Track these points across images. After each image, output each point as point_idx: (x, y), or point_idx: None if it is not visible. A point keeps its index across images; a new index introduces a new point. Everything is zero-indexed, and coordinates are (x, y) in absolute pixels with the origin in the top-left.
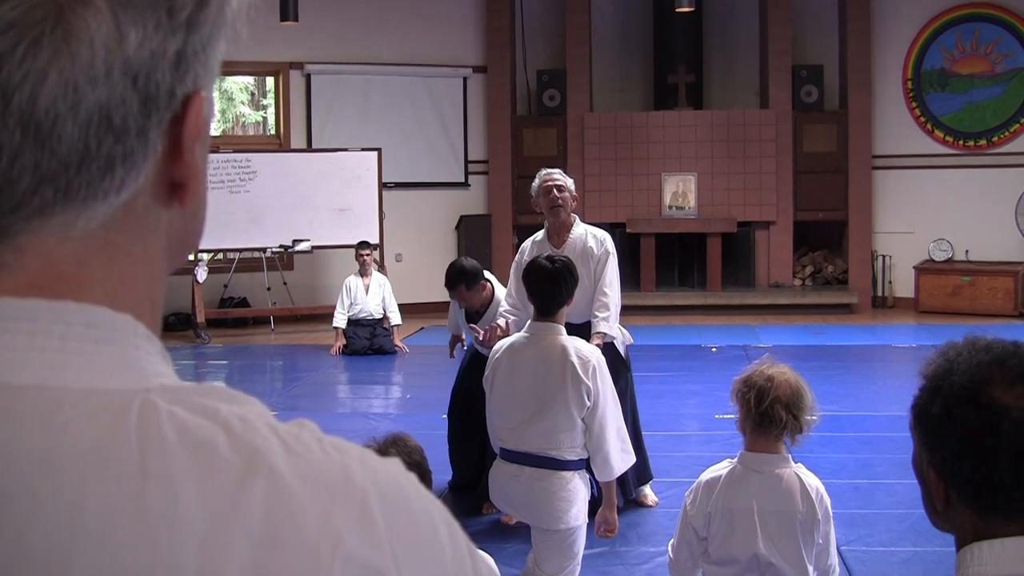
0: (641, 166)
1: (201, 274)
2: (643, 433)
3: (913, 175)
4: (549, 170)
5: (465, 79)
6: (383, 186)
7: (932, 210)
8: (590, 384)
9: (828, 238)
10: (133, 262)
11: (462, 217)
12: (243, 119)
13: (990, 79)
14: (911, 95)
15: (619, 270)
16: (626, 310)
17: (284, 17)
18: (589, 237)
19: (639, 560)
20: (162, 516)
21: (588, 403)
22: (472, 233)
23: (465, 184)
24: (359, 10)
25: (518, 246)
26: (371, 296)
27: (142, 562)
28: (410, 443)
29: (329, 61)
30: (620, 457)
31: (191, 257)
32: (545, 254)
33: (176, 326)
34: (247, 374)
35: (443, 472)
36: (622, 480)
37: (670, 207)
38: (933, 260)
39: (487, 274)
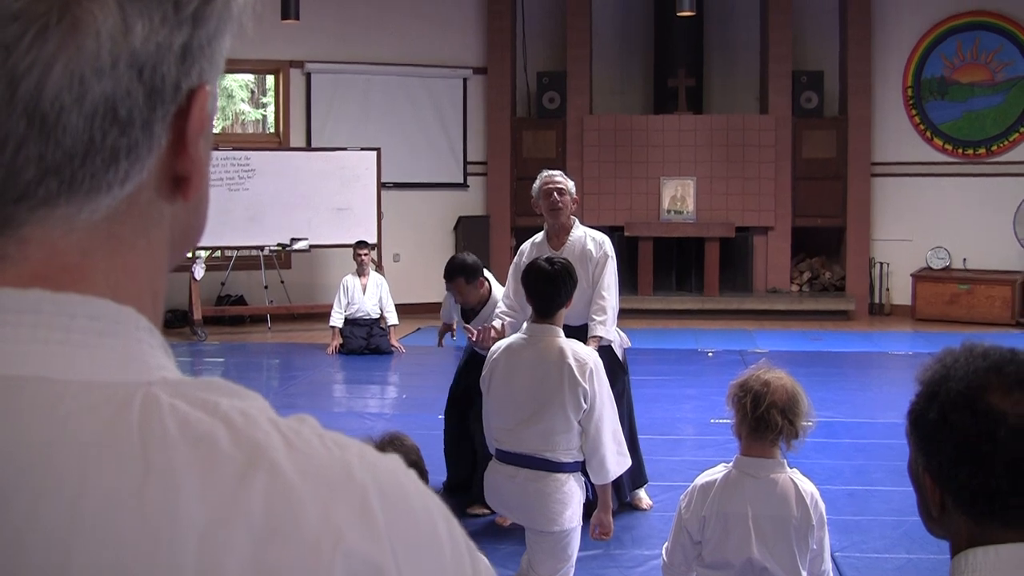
0: (640, 170)
1: (198, 271)
2: (639, 436)
3: (912, 183)
4: (550, 172)
5: (465, 80)
6: (382, 186)
7: (930, 218)
8: (587, 387)
9: (826, 244)
10: (136, 255)
11: (460, 218)
12: (243, 117)
13: (990, 88)
14: (911, 102)
15: (617, 273)
16: (623, 314)
17: (285, 15)
18: (588, 240)
19: (633, 563)
20: (163, 510)
21: (585, 406)
22: (470, 234)
23: (464, 185)
24: (360, 10)
25: (516, 248)
26: (368, 296)
27: (142, 555)
28: (406, 443)
29: (329, 60)
30: (616, 460)
31: (189, 254)
32: (544, 256)
33: (173, 323)
34: (243, 372)
35: (438, 472)
36: (617, 483)
37: (668, 211)
38: (931, 268)
39: (486, 272)
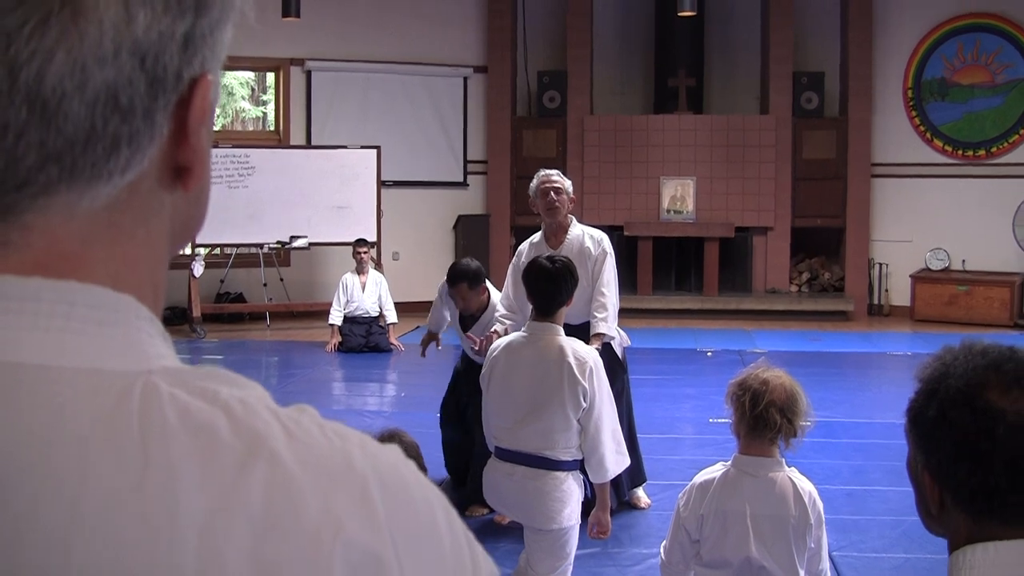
0: (640, 169)
1: (198, 269)
2: (638, 436)
3: (912, 184)
4: (547, 171)
5: (465, 79)
6: (382, 184)
7: (930, 219)
8: (587, 385)
9: (825, 245)
10: (136, 244)
11: (460, 217)
12: (243, 115)
13: (990, 89)
14: (911, 104)
15: (616, 270)
16: (622, 313)
17: (286, 13)
18: (586, 238)
19: (631, 561)
20: (162, 499)
21: (584, 404)
22: (470, 233)
23: (464, 184)
24: (361, 8)
25: (515, 247)
26: (367, 294)
27: (142, 544)
28: (405, 439)
29: (330, 58)
30: (615, 459)
31: (188, 251)
32: (545, 254)
33: (172, 321)
34: (242, 370)
35: (436, 470)
36: (616, 482)
37: (668, 211)
38: (930, 269)
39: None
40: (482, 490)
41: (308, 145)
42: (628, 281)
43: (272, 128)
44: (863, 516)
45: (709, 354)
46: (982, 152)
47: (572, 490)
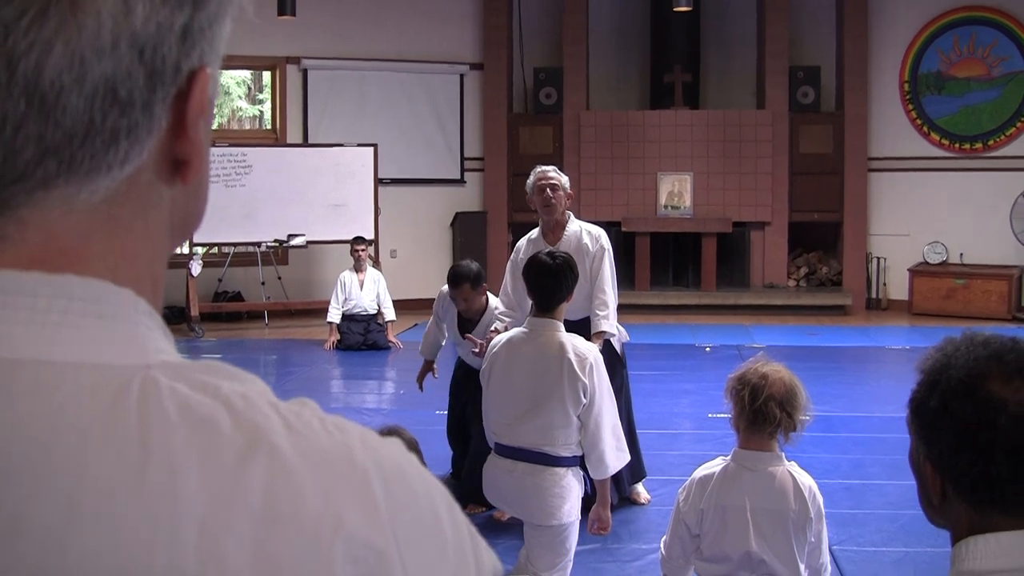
0: (637, 165)
1: (195, 268)
2: (637, 431)
3: (909, 177)
4: (543, 168)
5: (462, 76)
6: (379, 182)
7: (927, 213)
8: (587, 381)
9: (823, 239)
10: (135, 238)
11: (457, 214)
12: (239, 113)
13: (987, 82)
14: (908, 97)
15: (614, 268)
16: (620, 309)
17: (282, 12)
18: (584, 234)
19: (631, 557)
20: (162, 493)
21: (584, 400)
22: (467, 230)
23: (461, 181)
24: (357, 6)
25: (513, 243)
26: (365, 292)
27: (142, 539)
28: (405, 436)
29: (326, 56)
30: (615, 455)
31: (186, 251)
32: (546, 250)
33: (170, 320)
34: (240, 368)
35: (435, 467)
36: (616, 478)
37: (665, 207)
38: (927, 263)
39: None
40: (479, 488)
41: (305, 143)
42: (626, 277)
43: (268, 127)
44: (862, 510)
45: (707, 349)
46: (979, 145)
47: (572, 486)
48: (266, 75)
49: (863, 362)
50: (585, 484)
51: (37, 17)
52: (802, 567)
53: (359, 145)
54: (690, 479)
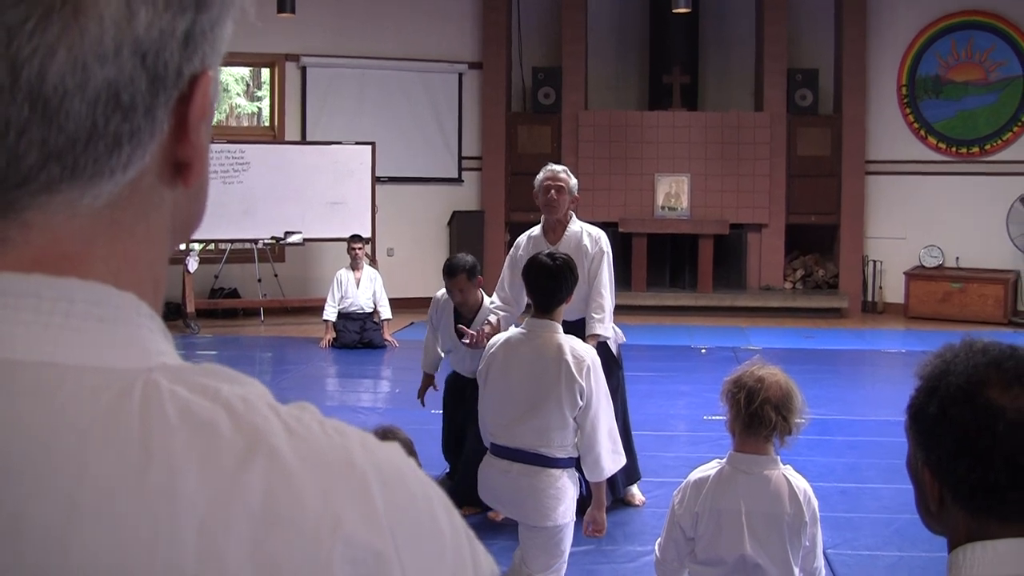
0: (635, 166)
1: (192, 264)
2: (633, 433)
3: (906, 181)
4: (554, 167)
5: (461, 75)
6: (376, 180)
7: (924, 216)
8: (584, 384)
9: (820, 242)
10: (137, 241)
11: (455, 213)
12: (238, 110)
13: (984, 87)
14: (905, 101)
15: (612, 271)
16: (617, 310)
17: (281, 9)
18: (584, 235)
19: (626, 559)
20: (163, 495)
21: (581, 403)
22: (464, 229)
23: (458, 180)
24: (356, 4)
25: (510, 243)
26: (362, 290)
27: (142, 540)
28: (400, 435)
29: (325, 54)
30: (611, 458)
31: (183, 247)
32: (546, 251)
33: (166, 316)
34: (236, 365)
35: (430, 467)
36: (611, 479)
37: (663, 208)
38: (924, 266)
39: None
40: (474, 489)
41: (303, 141)
42: (622, 278)
43: (267, 124)
44: (856, 514)
45: (703, 351)
46: (976, 149)
47: (567, 487)
48: (265, 72)
49: (859, 365)
50: (580, 486)
51: (41, 22)
52: (797, 571)
53: (357, 143)
54: (685, 481)
